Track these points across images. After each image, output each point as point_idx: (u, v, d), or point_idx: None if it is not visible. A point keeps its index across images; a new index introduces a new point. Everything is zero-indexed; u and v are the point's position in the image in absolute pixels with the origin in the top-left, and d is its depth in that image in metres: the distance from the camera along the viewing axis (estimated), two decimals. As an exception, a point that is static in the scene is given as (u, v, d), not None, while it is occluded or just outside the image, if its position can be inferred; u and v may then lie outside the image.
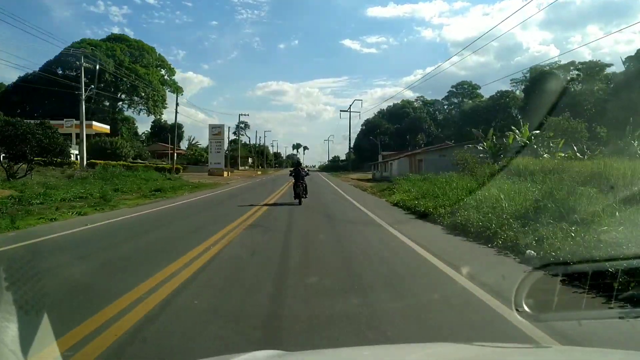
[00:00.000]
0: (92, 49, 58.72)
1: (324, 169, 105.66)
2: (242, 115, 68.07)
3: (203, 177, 43.03)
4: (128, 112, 72.47)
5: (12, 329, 1.92)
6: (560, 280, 4.39)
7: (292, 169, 17.53)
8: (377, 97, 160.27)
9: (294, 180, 15.99)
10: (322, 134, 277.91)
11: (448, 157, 34.66)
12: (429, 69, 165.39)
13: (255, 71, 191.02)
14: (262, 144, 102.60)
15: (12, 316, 2.06)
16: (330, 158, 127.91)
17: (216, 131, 48.51)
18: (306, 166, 35.76)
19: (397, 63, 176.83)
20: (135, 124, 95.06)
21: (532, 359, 1.79)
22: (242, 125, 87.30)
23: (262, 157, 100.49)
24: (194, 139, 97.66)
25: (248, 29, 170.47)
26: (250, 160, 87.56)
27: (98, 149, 53.39)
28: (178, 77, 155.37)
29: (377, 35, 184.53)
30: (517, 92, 76.61)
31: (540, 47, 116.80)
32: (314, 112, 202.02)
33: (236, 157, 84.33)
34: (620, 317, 3.59)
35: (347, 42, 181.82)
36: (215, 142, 48.54)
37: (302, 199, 15.44)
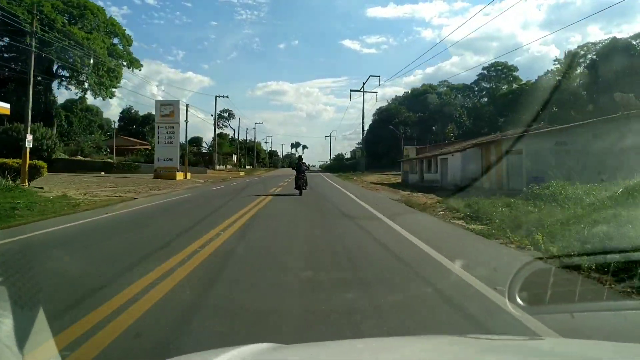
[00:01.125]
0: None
1: (326, 168, 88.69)
2: (219, 97, 51.21)
3: (141, 180, 26.71)
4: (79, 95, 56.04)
5: (7, 324, 1.86)
6: (554, 273, 3.70)
7: (295, 164, 19.02)
8: (378, 97, 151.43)
9: (296, 173, 17.94)
10: (322, 135, 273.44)
11: (571, 145, 18.45)
12: (429, 70, 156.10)
13: (255, 71, 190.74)
14: (249, 139, 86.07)
15: (6, 311, 2.00)
16: (334, 156, 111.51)
17: (167, 110, 31.79)
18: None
19: (397, 63, 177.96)
20: (99, 114, 79.30)
21: (525, 350, 1.71)
22: (226, 115, 70.76)
23: (251, 154, 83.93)
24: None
25: (247, 29, 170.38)
26: (235, 157, 71.11)
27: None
28: (177, 77, 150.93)
29: (377, 36, 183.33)
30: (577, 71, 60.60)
31: (541, 47, 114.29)
32: (313, 113, 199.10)
33: (222, 153, 67.86)
34: (612, 310, 3.57)
35: (347, 43, 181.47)
36: (165, 127, 31.80)
37: (303, 190, 17.20)
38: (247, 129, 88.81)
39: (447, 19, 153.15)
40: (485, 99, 72.76)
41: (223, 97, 50.45)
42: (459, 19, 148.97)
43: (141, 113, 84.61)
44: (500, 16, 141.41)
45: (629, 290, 4.02)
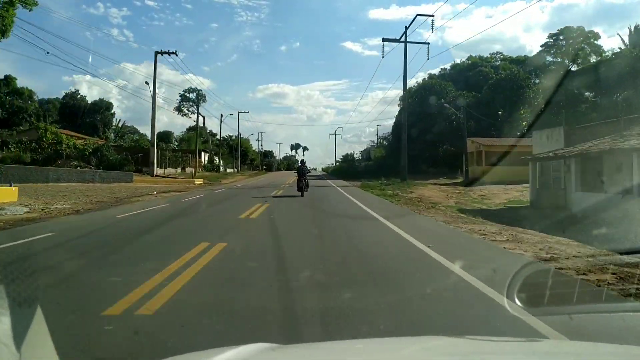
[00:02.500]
0: None
1: (333, 173, 68.11)
2: (164, 53, 30.84)
3: None
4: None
5: (5, 322, 1.83)
6: (553, 274, 3.98)
7: (298, 167, 19.57)
8: (378, 99, 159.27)
9: (298, 176, 18.58)
10: (322, 138, 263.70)
11: None
12: (431, 71, 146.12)
13: (255, 73, 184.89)
14: (234, 135, 65.95)
15: (4, 309, 1.98)
16: (340, 157, 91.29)
17: None
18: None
19: (398, 65, 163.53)
20: (33, 99, 59.83)
21: (523, 352, 1.69)
22: (192, 97, 50.51)
23: (235, 153, 63.70)
24: (121, 122, 61.55)
25: (248, 31, 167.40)
26: (206, 157, 51.11)
27: None
28: (178, 78, 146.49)
29: (378, 37, 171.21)
30: None
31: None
32: (314, 115, 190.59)
33: (186, 150, 47.76)
34: (610, 312, 3.57)
35: (349, 44, 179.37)
36: None
37: (305, 192, 17.91)
38: (221, 115, 66.48)
39: (449, 21, 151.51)
40: (550, 77, 52.29)
41: (169, 53, 30.08)
42: (462, 21, 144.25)
43: (102, 97, 64.96)
44: (503, 18, 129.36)
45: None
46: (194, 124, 58.47)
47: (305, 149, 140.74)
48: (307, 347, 1.89)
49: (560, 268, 5.23)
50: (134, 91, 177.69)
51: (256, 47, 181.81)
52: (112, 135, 58.64)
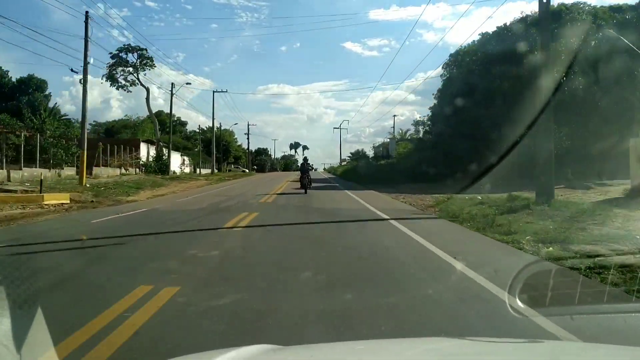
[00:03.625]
0: None
1: (344, 175, 50.84)
2: None
3: None
4: None
5: (5, 324, 1.82)
6: (554, 275, 3.79)
7: (300, 164, 20.90)
8: (378, 99, 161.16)
9: (300, 174, 19.21)
10: (323, 137, 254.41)
11: None
12: (430, 72, 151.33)
13: (255, 74, 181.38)
14: (211, 126, 49.60)
15: (4, 310, 1.96)
16: (348, 155, 74.97)
17: None
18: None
19: (399, 66, 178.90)
20: None
21: (524, 353, 1.69)
22: (132, 58, 34.11)
23: (209, 148, 47.30)
24: (54, 104, 45.46)
25: (248, 31, 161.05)
26: (152, 150, 34.87)
27: None
28: (179, 78, 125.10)
29: (379, 38, 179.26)
30: None
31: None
32: (314, 115, 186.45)
33: (67, 138, 30.99)
34: (612, 312, 3.48)
35: (349, 45, 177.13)
36: None
37: (308, 189, 18.34)
38: (172, 85, 41.99)
39: (450, 22, 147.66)
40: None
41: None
42: (463, 22, 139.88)
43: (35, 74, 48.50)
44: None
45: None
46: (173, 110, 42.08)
47: (305, 147, 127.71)
48: (308, 349, 1.89)
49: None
50: (134, 92, 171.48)
51: (256, 47, 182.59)
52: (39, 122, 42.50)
